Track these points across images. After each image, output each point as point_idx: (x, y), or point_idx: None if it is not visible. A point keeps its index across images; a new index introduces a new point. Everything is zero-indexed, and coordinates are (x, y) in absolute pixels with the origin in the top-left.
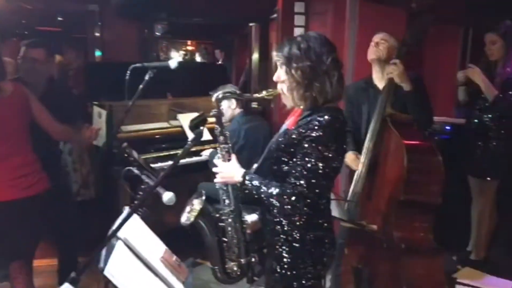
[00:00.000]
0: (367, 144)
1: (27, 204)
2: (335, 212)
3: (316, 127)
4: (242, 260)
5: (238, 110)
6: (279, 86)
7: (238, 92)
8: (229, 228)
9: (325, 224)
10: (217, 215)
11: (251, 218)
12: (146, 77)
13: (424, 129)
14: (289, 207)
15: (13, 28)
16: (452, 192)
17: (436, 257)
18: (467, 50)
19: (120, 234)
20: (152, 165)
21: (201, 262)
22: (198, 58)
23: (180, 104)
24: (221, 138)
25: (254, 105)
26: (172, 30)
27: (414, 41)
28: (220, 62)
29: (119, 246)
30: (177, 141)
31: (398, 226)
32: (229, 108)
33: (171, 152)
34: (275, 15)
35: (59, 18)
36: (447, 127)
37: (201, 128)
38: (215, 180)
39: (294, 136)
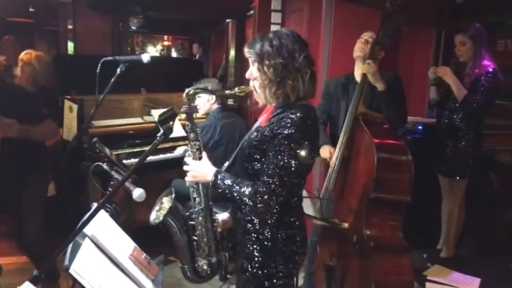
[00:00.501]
0: (341, 137)
1: None
2: (308, 210)
3: (288, 124)
4: (212, 258)
5: (216, 106)
6: (251, 83)
7: (210, 88)
8: (200, 227)
9: (297, 222)
10: (187, 213)
11: (222, 216)
12: (118, 71)
13: (396, 128)
14: (262, 205)
15: None
16: (423, 190)
17: (405, 255)
18: (439, 51)
19: (87, 231)
20: (125, 161)
21: (174, 260)
22: (174, 54)
23: (154, 99)
24: (192, 135)
25: (230, 101)
26: (148, 25)
27: (387, 40)
28: (197, 58)
29: (86, 244)
30: (150, 137)
31: (368, 224)
32: (208, 102)
33: (144, 148)
34: (251, 12)
35: (31, 9)
36: (419, 127)
37: (170, 123)
38: (186, 179)
39: (266, 133)
